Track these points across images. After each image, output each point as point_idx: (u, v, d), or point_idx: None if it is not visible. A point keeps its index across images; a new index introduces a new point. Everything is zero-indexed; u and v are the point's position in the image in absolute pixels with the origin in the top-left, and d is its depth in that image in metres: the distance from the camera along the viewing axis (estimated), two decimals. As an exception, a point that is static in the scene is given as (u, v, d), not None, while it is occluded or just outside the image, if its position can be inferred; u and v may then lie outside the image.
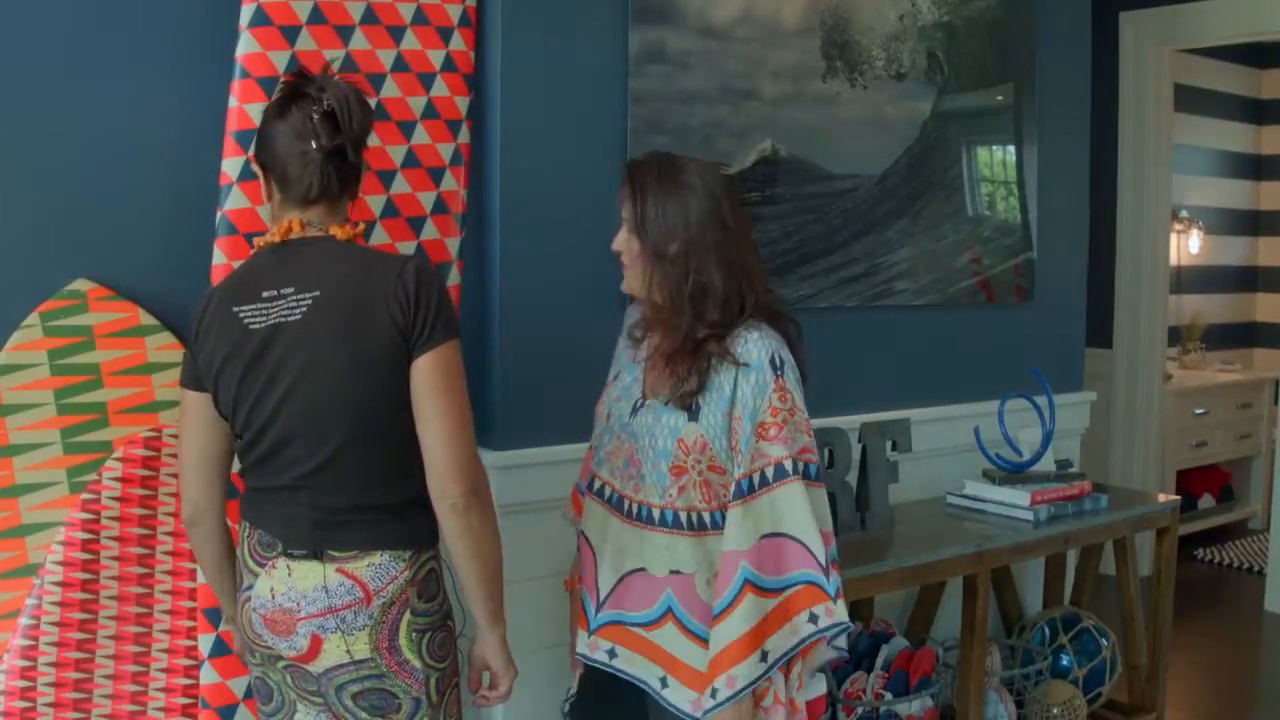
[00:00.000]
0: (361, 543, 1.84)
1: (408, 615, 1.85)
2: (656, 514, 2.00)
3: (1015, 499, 3.10)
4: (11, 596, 2.24)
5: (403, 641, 1.85)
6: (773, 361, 1.94)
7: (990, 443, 3.24)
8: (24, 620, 2.23)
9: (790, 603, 1.92)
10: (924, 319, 3.42)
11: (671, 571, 1.99)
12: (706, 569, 1.98)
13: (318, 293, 1.82)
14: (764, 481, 1.93)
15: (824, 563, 1.92)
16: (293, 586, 1.84)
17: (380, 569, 1.83)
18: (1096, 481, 3.36)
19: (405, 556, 1.86)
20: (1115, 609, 3.42)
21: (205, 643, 2.28)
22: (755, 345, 1.95)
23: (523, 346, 2.64)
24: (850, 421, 3.05)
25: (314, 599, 1.83)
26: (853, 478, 2.96)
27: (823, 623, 1.91)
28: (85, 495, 2.26)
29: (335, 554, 1.83)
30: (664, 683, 2.00)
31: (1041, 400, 3.21)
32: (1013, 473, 3.19)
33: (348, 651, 1.84)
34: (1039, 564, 3.65)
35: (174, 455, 2.31)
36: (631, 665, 2.03)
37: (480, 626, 1.93)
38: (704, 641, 1.96)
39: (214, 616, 2.27)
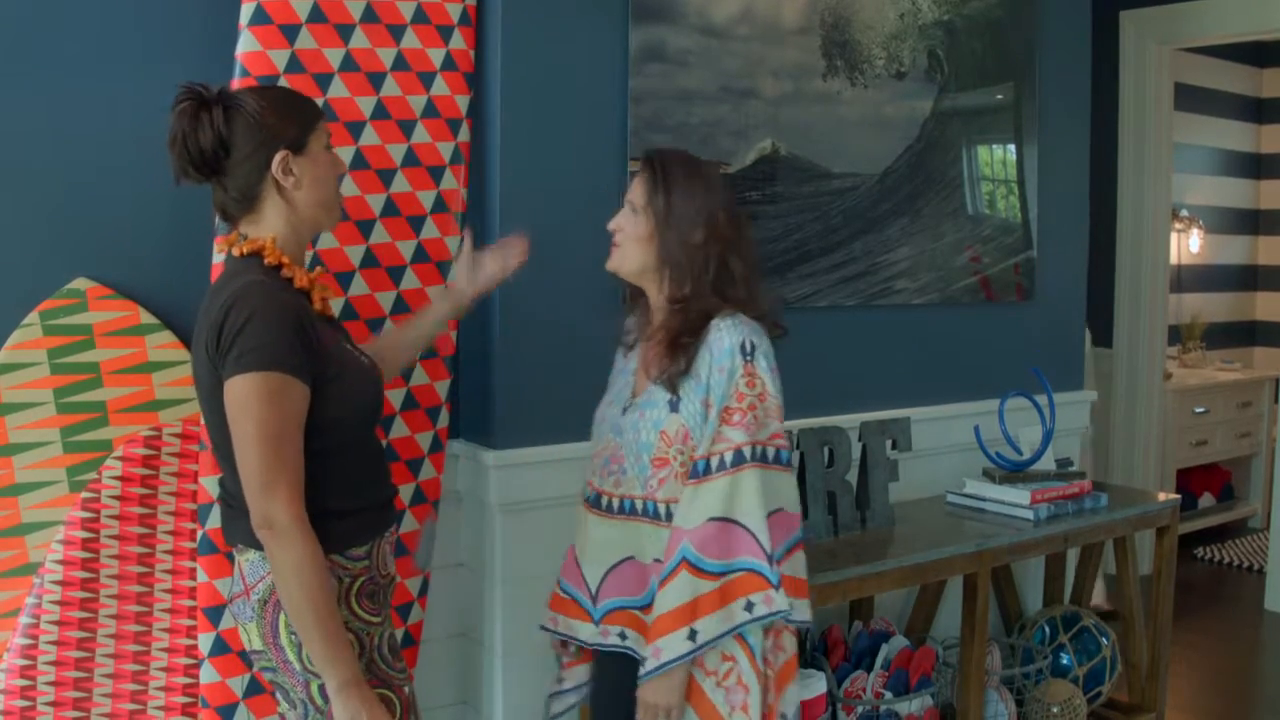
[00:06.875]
0: (236, 537, 1.88)
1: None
2: (640, 505, 2.06)
3: (1015, 498, 3.10)
4: (11, 596, 2.24)
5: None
6: (743, 347, 1.98)
7: (990, 441, 3.24)
8: (24, 619, 2.23)
9: (729, 588, 1.96)
10: (924, 318, 3.41)
11: (655, 560, 2.04)
12: None
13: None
14: (721, 465, 1.97)
15: (768, 551, 1.95)
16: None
17: (253, 566, 1.85)
18: (1096, 480, 3.36)
19: None
20: (1115, 608, 3.42)
21: (205, 642, 2.28)
22: (728, 332, 2.00)
23: (522, 345, 2.63)
24: (850, 420, 3.05)
25: (231, 585, 1.93)
26: (853, 476, 2.96)
27: (759, 610, 1.95)
28: (85, 494, 2.26)
29: (235, 545, 1.90)
30: None
31: (1041, 399, 3.21)
32: (1013, 471, 3.19)
33: (248, 640, 1.89)
34: (1039, 563, 3.65)
35: (174, 454, 2.33)
36: (641, 646, 2.06)
37: None
38: None
39: (214, 616, 2.27)
